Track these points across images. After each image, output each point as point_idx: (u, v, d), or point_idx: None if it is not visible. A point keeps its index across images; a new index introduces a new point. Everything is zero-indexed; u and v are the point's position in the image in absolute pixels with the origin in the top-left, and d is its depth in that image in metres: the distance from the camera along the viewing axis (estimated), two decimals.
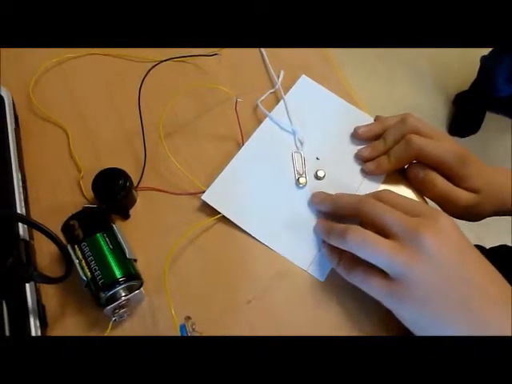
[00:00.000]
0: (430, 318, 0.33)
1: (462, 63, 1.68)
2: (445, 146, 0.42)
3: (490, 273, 0.34)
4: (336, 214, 0.41)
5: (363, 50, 1.71)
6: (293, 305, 0.39)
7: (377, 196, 0.38)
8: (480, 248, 0.69)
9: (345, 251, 0.37)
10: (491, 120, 1.59)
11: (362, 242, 0.35)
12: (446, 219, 0.34)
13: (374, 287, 0.35)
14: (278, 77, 0.50)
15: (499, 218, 0.49)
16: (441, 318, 0.33)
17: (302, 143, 0.46)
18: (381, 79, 1.68)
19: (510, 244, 0.65)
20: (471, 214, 0.45)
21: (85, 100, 0.48)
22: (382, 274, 0.35)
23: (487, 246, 0.67)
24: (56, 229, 0.37)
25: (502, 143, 1.56)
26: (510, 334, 0.31)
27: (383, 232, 0.35)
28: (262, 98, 0.48)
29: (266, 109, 0.47)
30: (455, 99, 1.61)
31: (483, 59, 1.46)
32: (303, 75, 0.50)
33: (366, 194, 0.40)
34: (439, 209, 0.42)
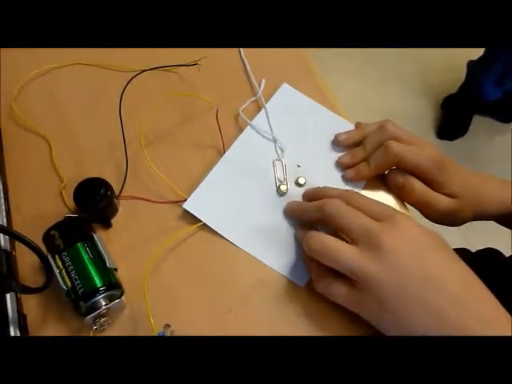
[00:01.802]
0: (392, 319, 0.34)
1: (449, 67, 1.70)
2: (423, 152, 0.42)
3: (453, 270, 0.34)
4: (307, 221, 0.41)
5: (353, 55, 1.72)
6: (274, 312, 0.40)
7: (341, 195, 0.39)
8: (465, 251, 0.70)
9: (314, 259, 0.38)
10: (479, 123, 1.61)
11: (323, 249, 0.35)
12: (405, 221, 0.35)
13: (336, 295, 0.36)
14: (260, 85, 0.50)
15: (489, 222, 0.49)
16: (402, 318, 0.33)
17: (282, 151, 0.46)
18: (370, 84, 1.69)
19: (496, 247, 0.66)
20: (451, 219, 0.45)
21: (67, 110, 0.49)
22: (347, 281, 0.35)
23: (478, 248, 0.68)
24: (38, 238, 0.38)
25: (490, 145, 1.58)
26: (471, 331, 0.31)
27: (346, 235, 0.36)
28: (244, 106, 0.48)
29: (248, 117, 0.47)
30: (443, 103, 1.63)
31: (471, 64, 1.48)
32: (284, 83, 0.50)
33: (334, 189, 0.41)
34: (400, 210, 0.43)
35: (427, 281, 0.33)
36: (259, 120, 0.48)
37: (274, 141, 0.46)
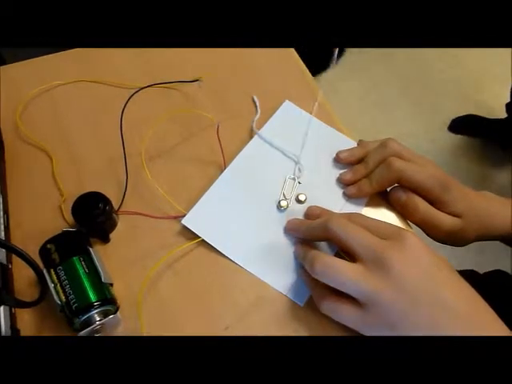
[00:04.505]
0: None
1: (457, 89, 1.70)
2: (426, 170, 0.42)
3: (460, 290, 0.34)
4: (310, 239, 0.41)
5: (360, 77, 1.74)
6: (271, 331, 0.39)
7: (347, 217, 0.38)
8: (473, 273, 0.69)
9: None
10: (488, 147, 1.60)
11: (330, 271, 0.34)
12: (412, 239, 0.34)
13: (344, 316, 0.35)
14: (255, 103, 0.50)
15: (497, 244, 0.48)
16: None
17: (300, 170, 0.46)
18: (377, 106, 1.70)
19: (504, 269, 0.64)
20: (455, 238, 0.44)
21: (70, 126, 0.49)
22: (353, 301, 0.34)
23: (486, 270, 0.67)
24: (36, 252, 0.37)
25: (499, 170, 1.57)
26: None
27: (351, 253, 0.35)
28: (256, 117, 0.49)
29: (248, 133, 0.47)
30: (451, 125, 1.62)
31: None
32: (286, 100, 0.50)
33: (338, 214, 0.41)
34: (406, 229, 0.42)
35: (436, 301, 0.32)
36: (261, 136, 0.48)
37: (297, 161, 0.46)
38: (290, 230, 0.42)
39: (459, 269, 0.58)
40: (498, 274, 0.66)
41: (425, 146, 1.59)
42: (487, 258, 1.19)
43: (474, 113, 1.61)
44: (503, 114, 1.52)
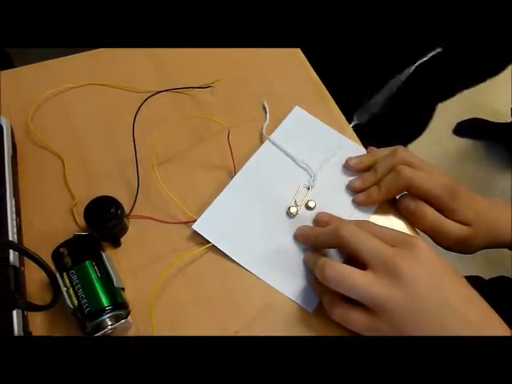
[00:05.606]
0: None
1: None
2: (435, 178, 0.42)
3: (469, 297, 0.34)
4: (320, 246, 0.41)
5: None
6: (281, 335, 0.39)
7: (356, 225, 0.38)
8: (478, 279, 0.69)
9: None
10: (493, 149, 1.59)
11: (340, 279, 0.35)
12: (421, 246, 0.34)
13: (354, 323, 0.35)
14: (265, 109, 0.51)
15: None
16: None
17: (314, 179, 0.46)
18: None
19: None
20: (463, 247, 0.44)
21: (82, 129, 0.49)
22: (363, 308, 0.35)
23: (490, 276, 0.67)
24: (47, 255, 0.38)
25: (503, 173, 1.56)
26: None
27: (361, 261, 0.36)
28: (265, 124, 0.49)
29: (258, 139, 0.48)
30: (456, 128, 1.62)
31: None
32: (296, 106, 0.51)
33: (348, 221, 0.41)
34: (416, 236, 0.42)
35: (446, 307, 0.33)
36: (272, 141, 0.48)
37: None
38: (300, 236, 0.43)
39: (464, 274, 0.58)
40: (502, 280, 0.66)
41: (429, 149, 1.59)
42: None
43: (476, 115, 1.61)
44: (506, 117, 1.52)
